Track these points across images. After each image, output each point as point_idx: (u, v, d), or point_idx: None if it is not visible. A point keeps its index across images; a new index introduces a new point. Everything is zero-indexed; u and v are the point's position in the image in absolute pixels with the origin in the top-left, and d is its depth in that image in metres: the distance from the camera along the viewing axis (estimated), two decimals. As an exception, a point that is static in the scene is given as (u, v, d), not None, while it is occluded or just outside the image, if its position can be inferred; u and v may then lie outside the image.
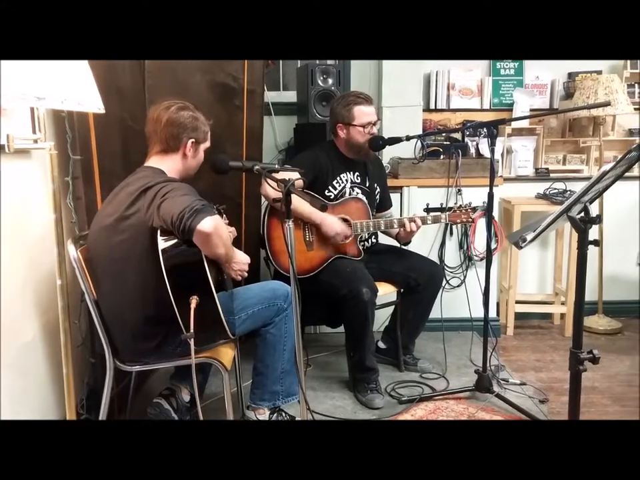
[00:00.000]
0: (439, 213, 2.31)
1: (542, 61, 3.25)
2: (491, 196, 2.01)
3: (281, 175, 1.54)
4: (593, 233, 1.27)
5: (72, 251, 1.62)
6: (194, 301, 1.50)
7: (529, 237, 1.20)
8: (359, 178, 2.41)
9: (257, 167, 1.63)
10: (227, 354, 1.78)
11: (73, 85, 1.30)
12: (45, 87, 1.21)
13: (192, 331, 1.48)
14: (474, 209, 2.29)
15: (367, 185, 2.44)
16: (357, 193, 2.38)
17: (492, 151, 1.97)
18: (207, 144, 1.79)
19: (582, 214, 1.24)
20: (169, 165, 1.70)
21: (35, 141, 1.50)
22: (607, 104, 2.07)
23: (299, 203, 2.11)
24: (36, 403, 1.75)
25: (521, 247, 1.22)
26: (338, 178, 2.35)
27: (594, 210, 1.27)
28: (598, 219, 1.21)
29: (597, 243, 1.24)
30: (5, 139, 1.32)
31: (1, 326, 1.53)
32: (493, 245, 2.48)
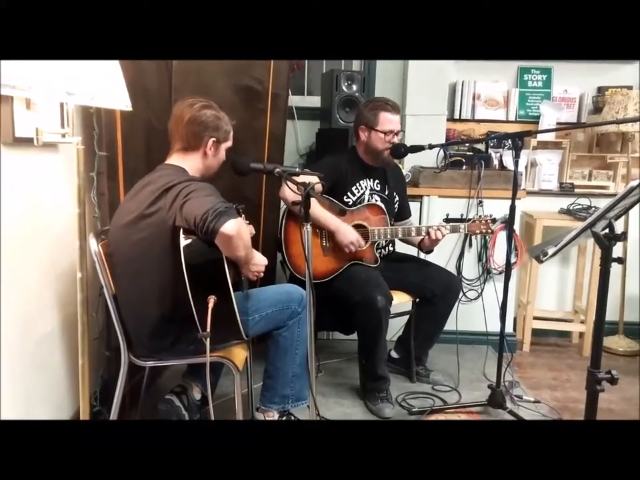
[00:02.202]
0: (458, 223, 2.29)
1: (571, 74, 3.22)
2: (512, 209, 1.98)
3: (301, 179, 1.54)
4: (617, 251, 1.24)
5: (93, 245, 1.64)
6: (212, 301, 1.51)
7: (551, 251, 1.18)
8: (378, 185, 2.40)
9: (277, 170, 1.64)
10: (239, 354, 1.79)
11: (102, 82, 1.33)
12: (75, 82, 1.24)
13: (208, 330, 1.49)
14: (494, 220, 2.27)
15: (386, 192, 2.43)
16: (376, 200, 2.37)
17: (516, 163, 1.95)
18: (229, 143, 1.80)
19: (606, 230, 1.22)
20: (190, 163, 1.72)
21: (63, 135, 1.53)
22: (637, 119, 2.03)
23: (316, 209, 2.11)
24: (51, 393, 1.78)
25: (542, 261, 1.19)
26: (357, 184, 2.34)
27: (619, 227, 1.24)
28: (623, 236, 1.18)
29: (620, 260, 1.21)
30: (34, 132, 1.35)
31: (19, 317, 1.56)
32: (513, 259, 2.45)
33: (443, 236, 2.27)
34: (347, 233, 2.21)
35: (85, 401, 1.55)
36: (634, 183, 1.10)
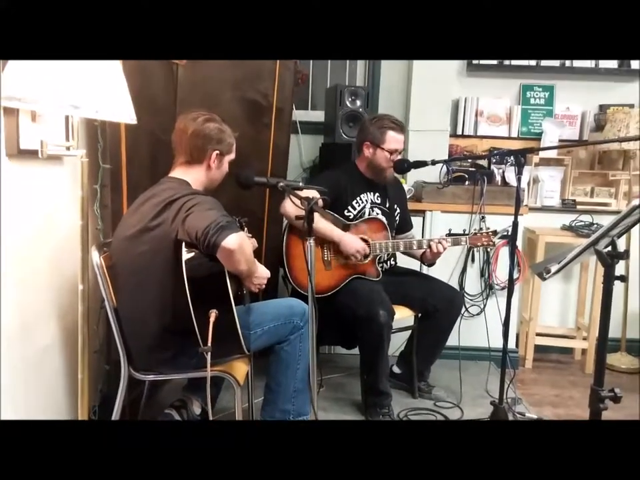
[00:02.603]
0: (459, 237, 2.30)
1: (573, 91, 3.24)
2: (515, 224, 1.98)
3: (304, 193, 1.55)
4: (620, 268, 1.24)
5: (95, 257, 1.64)
6: (213, 315, 1.51)
7: (554, 268, 1.17)
8: (379, 198, 2.41)
9: (281, 184, 1.64)
10: (240, 369, 1.77)
11: (107, 95, 1.34)
12: (80, 95, 1.25)
13: (209, 344, 1.48)
14: (495, 232, 2.27)
15: (387, 205, 2.43)
16: (377, 214, 2.38)
17: (518, 180, 1.95)
18: (232, 156, 1.80)
19: (609, 248, 1.22)
20: (194, 176, 1.72)
21: (68, 148, 1.54)
22: (639, 138, 2.04)
23: (320, 222, 2.11)
24: (48, 406, 1.76)
25: (545, 278, 1.19)
26: (358, 198, 2.35)
27: (621, 245, 1.24)
28: (625, 254, 1.18)
29: (623, 278, 1.21)
30: (39, 144, 1.36)
31: (19, 328, 1.55)
32: (515, 275, 2.45)
33: (445, 249, 2.27)
34: (352, 242, 2.21)
35: (84, 416, 1.54)
36: (636, 202, 1.11)
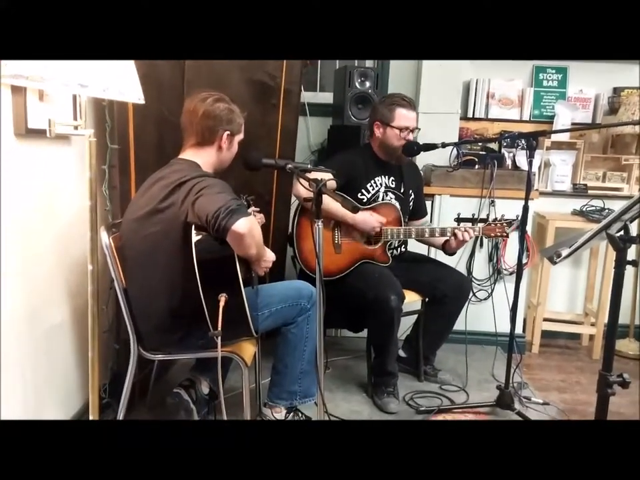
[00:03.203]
0: (473, 224, 2.27)
1: (587, 73, 3.18)
2: (525, 209, 1.96)
3: (313, 175, 1.53)
4: (631, 253, 1.22)
5: (104, 238, 1.65)
6: (223, 299, 1.51)
7: (564, 252, 1.16)
8: (393, 182, 2.38)
9: (289, 166, 1.63)
10: (248, 350, 1.79)
11: (115, 74, 1.33)
12: (88, 74, 1.24)
13: (219, 328, 1.49)
14: (509, 223, 2.23)
15: (402, 190, 2.41)
16: (391, 198, 2.36)
17: (530, 164, 1.93)
18: (241, 136, 1.80)
19: (621, 232, 1.20)
20: (204, 158, 1.72)
21: (75, 128, 1.54)
22: (652, 121, 2.00)
23: (332, 203, 2.09)
24: (61, 384, 1.79)
25: (555, 263, 1.18)
26: (372, 181, 2.33)
27: (634, 229, 1.22)
28: (638, 239, 1.16)
29: (635, 263, 1.19)
30: (47, 123, 1.36)
31: (30, 308, 1.57)
32: (524, 260, 2.43)
33: (471, 237, 2.24)
34: (365, 220, 2.21)
35: (94, 394, 1.56)
36: (652, 185, 1.09)
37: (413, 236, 2.32)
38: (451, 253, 2.38)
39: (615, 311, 1.22)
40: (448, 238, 2.29)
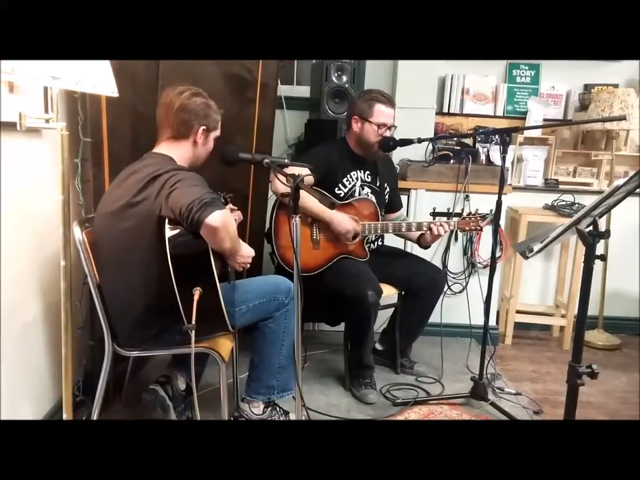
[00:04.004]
0: (448, 219, 2.30)
1: (559, 70, 3.24)
2: (499, 204, 2.00)
3: (291, 170, 1.53)
4: (599, 248, 1.26)
5: (77, 233, 1.62)
6: (197, 293, 1.51)
7: (536, 247, 1.19)
8: (369, 177, 2.40)
9: (266, 160, 1.62)
10: (225, 345, 1.78)
11: (88, 66, 1.30)
12: (60, 67, 1.21)
13: (194, 322, 1.48)
14: (483, 217, 2.27)
15: (377, 184, 2.42)
16: (367, 193, 2.37)
17: (503, 159, 1.96)
18: (217, 132, 1.78)
19: (590, 227, 1.24)
20: (179, 152, 1.70)
21: (47, 121, 1.50)
22: (622, 118, 2.05)
23: (310, 200, 2.09)
24: (34, 382, 1.76)
25: (528, 257, 1.21)
26: (348, 176, 2.34)
27: (602, 224, 1.26)
28: (607, 234, 1.20)
29: (603, 258, 1.23)
30: (17, 116, 1.32)
31: (2, 305, 1.53)
32: (497, 253, 2.47)
33: (446, 232, 2.27)
34: (342, 222, 2.21)
35: (68, 391, 1.53)
36: (619, 182, 1.12)
37: (390, 230, 2.34)
38: (425, 246, 2.42)
39: (584, 304, 1.25)
40: (423, 232, 2.32)
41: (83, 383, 1.97)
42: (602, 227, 1.24)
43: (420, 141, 2.20)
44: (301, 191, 1.37)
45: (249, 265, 1.76)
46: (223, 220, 1.48)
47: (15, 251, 1.59)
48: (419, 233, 2.36)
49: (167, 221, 1.52)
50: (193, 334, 1.49)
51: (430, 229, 2.27)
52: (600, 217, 1.24)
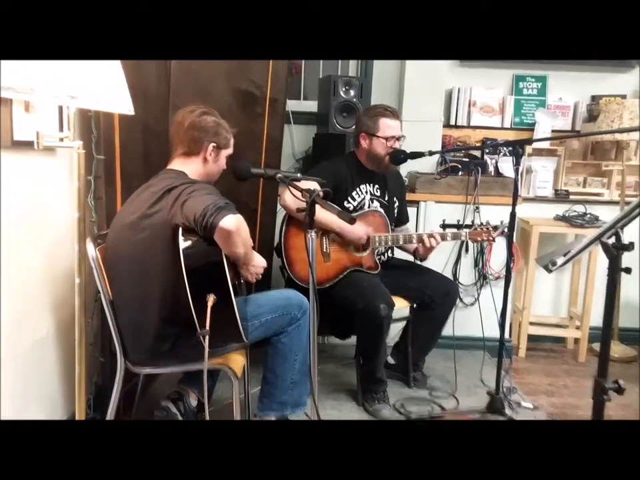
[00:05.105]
0: (459, 230, 2.29)
1: (565, 82, 3.25)
2: (513, 215, 1.99)
3: (303, 185, 1.53)
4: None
5: (90, 250, 1.62)
6: (211, 299, 1.49)
7: (560, 261, 1.17)
8: (378, 190, 2.40)
9: (279, 175, 1.63)
10: (237, 361, 1.77)
11: (105, 85, 1.31)
12: (78, 86, 1.22)
13: (207, 328, 1.46)
14: (495, 228, 2.26)
15: (386, 198, 2.42)
16: (376, 206, 2.37)
17: (516, 171, 1.95)
18: (229, 151, 1.80)
19: (613, 239, 1.22)
20: (191, 168, 1.71)
21: (61, 139, 1.51)
22: (637, 129, 2.04)
23: (319, 212, 2.09)
24: (45, 399, 1.75)
25: (551, 271, 1.19)
26: (357, 189, 2.33)
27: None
28: (631, 246, 1.17)
29: (628, 270, 1.20)
30: (35, 135, 1.33)
31: (13, 320, 1.53)
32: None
33: (438, 244, 2.26)
34: (353, 230, 2.20)
35: (81, 409, 1.52)
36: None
37: (401, 242, 2.33)
38: (421, 258, 2.41)
39: (609, 317, 1.23)
40: (418, 245, 2.32)
41: (94, 400, 1.95)
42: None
43: (431, 153, 2.20)
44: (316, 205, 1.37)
45: (260, 276, 1.76)
46: (237, 224, 1.48)
47: (27, 267, 1.59)
48: (414, 245, 2.36)
49: (180, 230, 1.52)
50: (206, 341, 1.47)
51: (421, 240, 2.25)
52: (622, 228, 1.22)
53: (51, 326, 1.74)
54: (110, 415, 1.70)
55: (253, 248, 1.71)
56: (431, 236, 2.24)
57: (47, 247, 1.68)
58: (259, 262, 1.74)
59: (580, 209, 2.98)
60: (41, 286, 1.67)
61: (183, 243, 1.52)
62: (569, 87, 3.27)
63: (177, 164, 1.71)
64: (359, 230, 2.21)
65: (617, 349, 3.02)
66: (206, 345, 1.48)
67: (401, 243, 2.33)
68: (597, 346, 3.06)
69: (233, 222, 1.47)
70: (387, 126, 2.25)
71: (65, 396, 1.84)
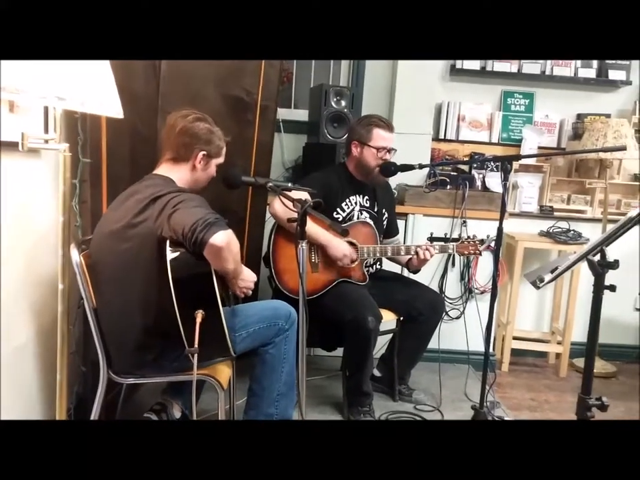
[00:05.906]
0: (446, 243, 2.30)
1: (552, 99, 3.30)
2: (500, 230, 2.00)
3: (295, 195, 1.52)
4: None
5: (74, 256, 1.58)
6: (199, 315, 1.47)
7: (547, 277, 1.18)
8: (367, 202, 2.39)
9: (270, 184, 1.61)
10: (223, 372, 1.74)
11: (94, 87, 1.28)
12: (66, 87, 1.19)
13: (196, 345, 1.43)
14: (482, 241, 2.28)
15: (375, 209, 2.42)
16: (365, 217, 2.36)
17: (504, 186, 1.97)
18: (220, 160, 1.77)
19: (598, 257, 1.23)
20: (178, 174, 1.68)
21: (46, 141, 1.47)
22: (623, 148, 2.07)
23: (308, 223, 2.07)
24: (24, 408, 1.69)
25: (539, 287, 1.20)
26: (347, 200, 2.33)
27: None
28: (616, 264, 1.19)
29: (613, 288, 1.22)
30: (19, 136, 1.29)
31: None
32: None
33: (432, 256, 2.27)
34: (339, 246, 2.19)
35: (62, 418, 1.47)
36: (633, 213, 1.12)
37: (389, 254, 2.32)
38: (414, 270, 2.42)
39: (593, 334, 1.24)
40: (411, 256, 2.33)
41: (75, 409, 1.90)
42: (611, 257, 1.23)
43: (421, 166, 2.21)
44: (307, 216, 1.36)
45: (250, 292, 1.73)
46: (227, 240, 1.46)
47: (8, 272, 1.54)
48: (408, 257, 2.36)
49: (168, 242, 1.49)
50: (195, 359, 1.44)
51: (417, 253, 2.26)
52: (607, 246, 1.24)
53: (31, 332, 1.69)
54: (89, 425, 1.65)
55: (241, 256, 1.69)
56: (426, 249, 2.24)
57: (29, 251, 1.64)
58: (248, 276, 1.71)
59: (564, 225, 3.02)
60: (22, 292, 1.63)
61: (171, 254, 1.49)
62: (556, 105, 3.33)
63: (164, 169, 1.68)
64: (343, 248, 2.20)
65: (597, 365, 3.04)
66: (195, 362, 1.45)
67: (390, 254, 2.33)
68: (578, 361, 3.09)
69: (224, 239, 1.44)
70: (379, 136, 2.26)
71: (45, 405, 1.78)
